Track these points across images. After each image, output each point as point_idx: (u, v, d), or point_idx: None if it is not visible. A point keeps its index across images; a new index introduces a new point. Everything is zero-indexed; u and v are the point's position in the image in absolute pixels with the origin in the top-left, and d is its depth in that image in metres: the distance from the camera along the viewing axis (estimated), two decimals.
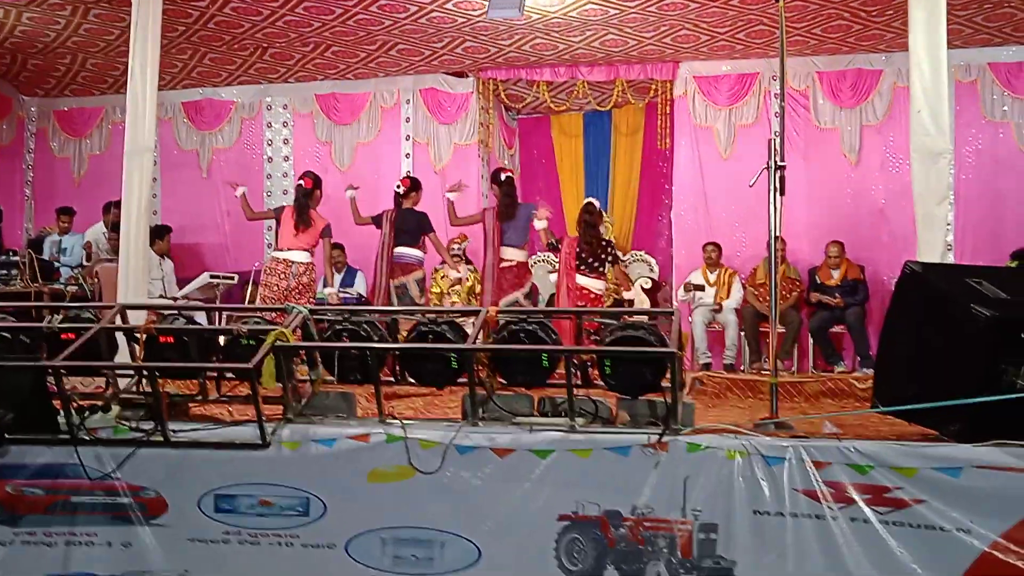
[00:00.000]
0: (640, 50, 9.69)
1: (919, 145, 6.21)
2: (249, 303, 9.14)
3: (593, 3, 8.40)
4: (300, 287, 8.03)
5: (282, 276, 8.06)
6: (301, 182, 8.47)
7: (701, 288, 9.33)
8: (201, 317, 8.43)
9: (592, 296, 8.57)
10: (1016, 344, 4.02)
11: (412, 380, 5.02)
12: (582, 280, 8.57)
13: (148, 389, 4.78)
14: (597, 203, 9.10)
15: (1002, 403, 3.96)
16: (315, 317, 5.14)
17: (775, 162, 4.89)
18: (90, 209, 10.86)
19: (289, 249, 8.14)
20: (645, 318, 6.49)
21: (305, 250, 8.16)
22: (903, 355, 4.59)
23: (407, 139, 10.79)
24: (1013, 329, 4.02)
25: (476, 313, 5.04)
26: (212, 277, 9.92)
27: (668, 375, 4.49)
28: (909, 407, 4.35)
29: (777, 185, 4.90)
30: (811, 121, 9.83)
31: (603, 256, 8.70)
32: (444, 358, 4.73)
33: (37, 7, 8.68)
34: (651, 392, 4.61)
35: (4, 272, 9.48)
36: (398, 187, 8.82)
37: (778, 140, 4.97)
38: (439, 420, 4.91)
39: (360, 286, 10.07)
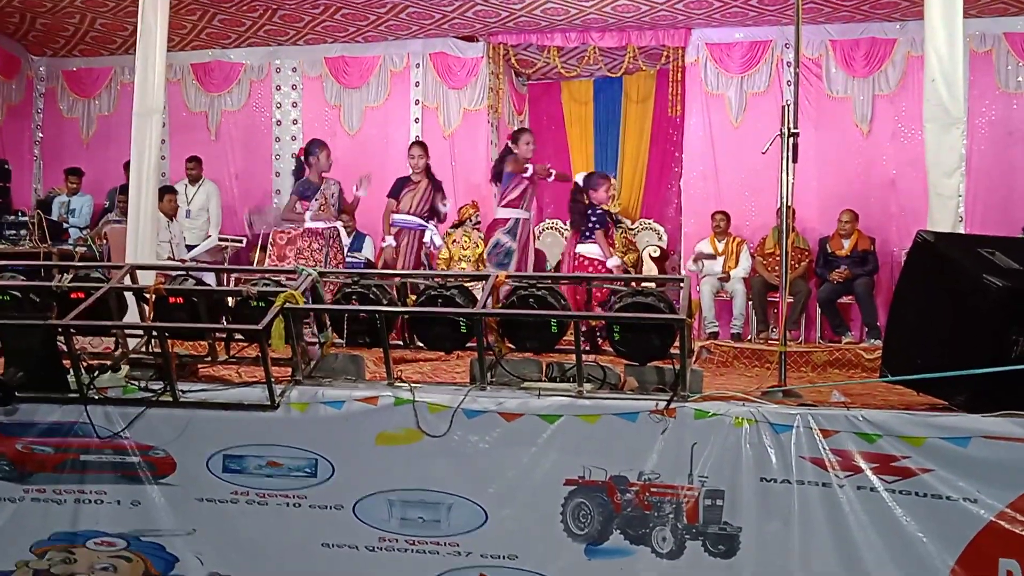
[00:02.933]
0: (652, 16, 9.61)
1: (932, 115, 6.15)
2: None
3: None
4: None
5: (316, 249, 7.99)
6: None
7: (711, 257, 9.33)
8: (210, 279, 8.46)
9: (596, 262, 8.47)
10: None
11: (421, 344, 5.03)
12: (580, 248, 8.46)
13: (157, 349, 4.79)
14: (582, 181, 8.80)
15: (1011, 374, 3.95)
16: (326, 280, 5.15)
17: (788, 129, 4.86)
18: (99, 170, 10.89)
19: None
20: (654, 285, 6.48)
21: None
22: (913, 325, 4.58)
23: (416, 103, 10.74)
24: None
25: (485, 278, 5.04)
26: (220, 239, 9.92)
27: (677, 342, 4.49)
28: (918, 376, 4.35)
29: (789, 153, 4.87)
30: (823, 90, 9.76)
31: (588, 223, 8.54)
32: (453, 322, 4.74)
33: None
34: (659, 359, 4.62)
35: (13, 232, 9.53)
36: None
37: (791, 107, 4.94)
38: (447, 384, 4.93)
39: (368, 251, 10.08)
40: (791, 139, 4.86)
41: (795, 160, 4.91)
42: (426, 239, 8.58)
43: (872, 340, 8.41)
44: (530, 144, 8.39)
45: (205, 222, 10.46)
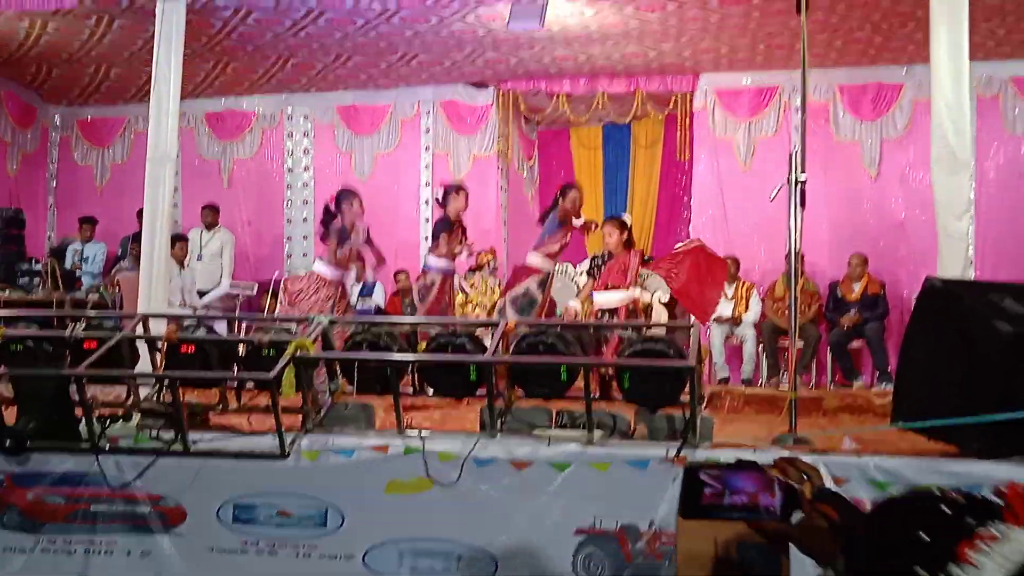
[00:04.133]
0: (660, 62, 9.68)
1: (940, 158, 6.17)
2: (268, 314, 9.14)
3: (613, 15, 8.40)
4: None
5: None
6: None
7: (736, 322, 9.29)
8: (221, 326, 8.45)
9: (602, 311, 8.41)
10: None
11: (431, 391, 5.03)
12: (597, 297, 8.40)
13: (169, 398, 4.81)
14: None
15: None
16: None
17: (795, 176, 4.88)
18: (112, 218, 10.97)
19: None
20: (664, 331, 6.47)
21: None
22: (923, 370, 4.57)
23: (426, 150, 10.80)
24: None
25: (495, 325, 5.05)
26: (232, 286, 9.96)
27: (687, 389, 4.48)
28: (929, 423, 4.33)
29: (798, 200, 4.89)
30: (831, 135, 9.78)
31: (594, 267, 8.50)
32: (463, 370, 4.74)
33: (62, 17, 8.74)
34: (670, 406, 4.61)
35: (27, 280, 9.59)
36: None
37: (799, 154, 4.96)
38: (457, 432, 4.92)
39: (379, 297, 10.09)
40: (799, 186, 4.88)
41: (803, 206, 4.92)
42: (456, 283, 8.46)
43: (883, 385, 8.36)
44: (576, 201, 8.18)
45: (218, 267, 10.51)
